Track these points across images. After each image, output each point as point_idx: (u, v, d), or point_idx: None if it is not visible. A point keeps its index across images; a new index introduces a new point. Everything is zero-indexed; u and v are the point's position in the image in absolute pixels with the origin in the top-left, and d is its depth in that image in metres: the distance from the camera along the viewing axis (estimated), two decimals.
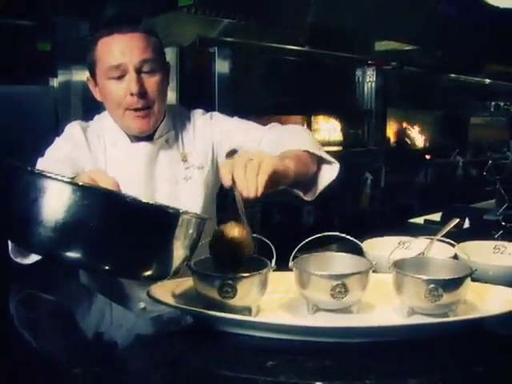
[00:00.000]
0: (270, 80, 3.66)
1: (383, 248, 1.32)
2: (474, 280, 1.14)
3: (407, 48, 4.39)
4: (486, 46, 4.12)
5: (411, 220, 2.31)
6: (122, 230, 0.89)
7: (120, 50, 1.41)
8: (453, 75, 5.20)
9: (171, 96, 3.42)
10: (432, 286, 1.01)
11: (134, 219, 0.90)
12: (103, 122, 1.57)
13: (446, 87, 5.07)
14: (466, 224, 2.00)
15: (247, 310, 1.05)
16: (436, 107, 5.07)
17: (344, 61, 4.18)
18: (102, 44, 1.44)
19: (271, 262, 1.08)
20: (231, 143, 1.56)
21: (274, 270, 1.08)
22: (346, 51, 4.05)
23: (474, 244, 1.42)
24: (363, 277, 1.06)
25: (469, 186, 4.58)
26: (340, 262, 1.15)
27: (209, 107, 1.72)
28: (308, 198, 1.48)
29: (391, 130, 4.78)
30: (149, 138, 1.52)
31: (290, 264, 1.09)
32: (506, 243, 1.43)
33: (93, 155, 1.51)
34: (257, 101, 3.56)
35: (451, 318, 1.03)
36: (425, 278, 1.02)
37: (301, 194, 1.47)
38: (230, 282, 1.01)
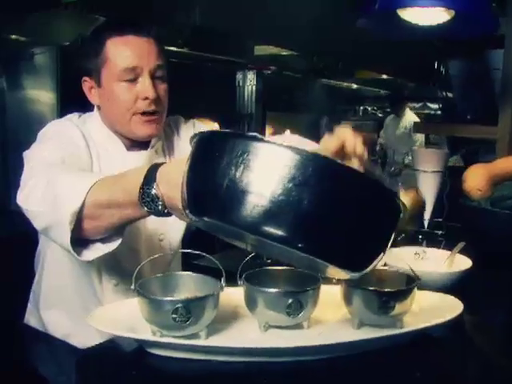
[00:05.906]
0: None
1: None
2: None
3: (284, 53, 4.48)
4: (358, 52, 4.30)
5: None
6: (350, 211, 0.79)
7: (137, 53, 1.33)
8: (324, 80, 5.40)
9: (51, 96, 3.22)
10: (384, 298, 1.02)
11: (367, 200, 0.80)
12: (87, 125, 1.42)
13: (320, 92, 5.24)
14: None
15: (200, 334, 1.00)
16: (311, 111, 5.23)
17: (224, 64, 4.17)
18: (112, 44, 1.33)
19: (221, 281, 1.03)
20: None
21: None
22: (226, 54, 4.04)
23: (396, 251, 1.46)
24: (316, 292, 1.04)
25: None
26: (288, 276, 1.12)
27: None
28: None
29: (270, 134, 4.86)
30: (143, 146, 1.43)
31: (240, 281, 1.05)
32: (425, 248, 1.49)
33: (92, 155, 1.37)
34: None
35: (405, 329, 1.05)
36: (377, 290, 1.03)
37: None
38: (183, 305, 0.95)
